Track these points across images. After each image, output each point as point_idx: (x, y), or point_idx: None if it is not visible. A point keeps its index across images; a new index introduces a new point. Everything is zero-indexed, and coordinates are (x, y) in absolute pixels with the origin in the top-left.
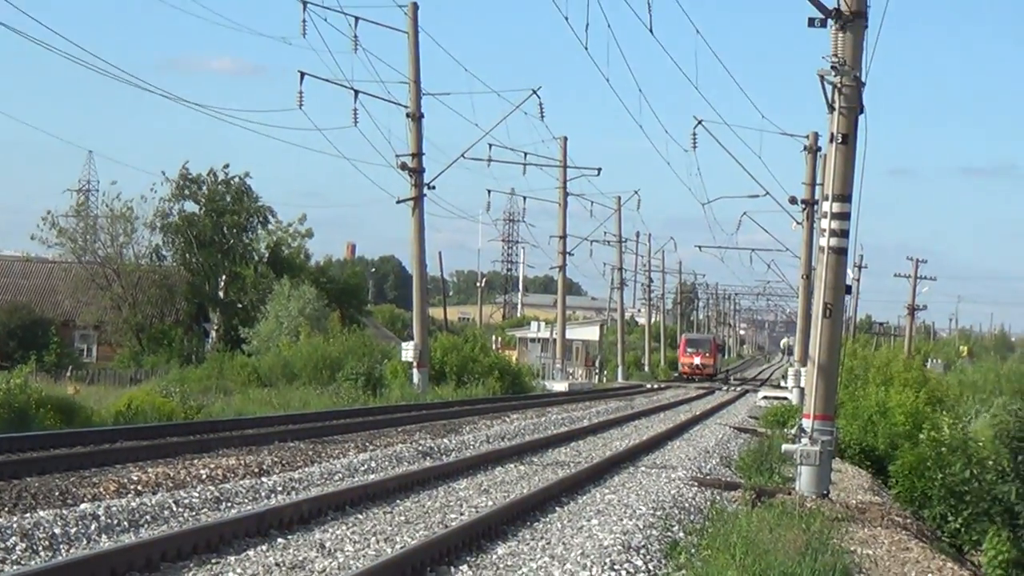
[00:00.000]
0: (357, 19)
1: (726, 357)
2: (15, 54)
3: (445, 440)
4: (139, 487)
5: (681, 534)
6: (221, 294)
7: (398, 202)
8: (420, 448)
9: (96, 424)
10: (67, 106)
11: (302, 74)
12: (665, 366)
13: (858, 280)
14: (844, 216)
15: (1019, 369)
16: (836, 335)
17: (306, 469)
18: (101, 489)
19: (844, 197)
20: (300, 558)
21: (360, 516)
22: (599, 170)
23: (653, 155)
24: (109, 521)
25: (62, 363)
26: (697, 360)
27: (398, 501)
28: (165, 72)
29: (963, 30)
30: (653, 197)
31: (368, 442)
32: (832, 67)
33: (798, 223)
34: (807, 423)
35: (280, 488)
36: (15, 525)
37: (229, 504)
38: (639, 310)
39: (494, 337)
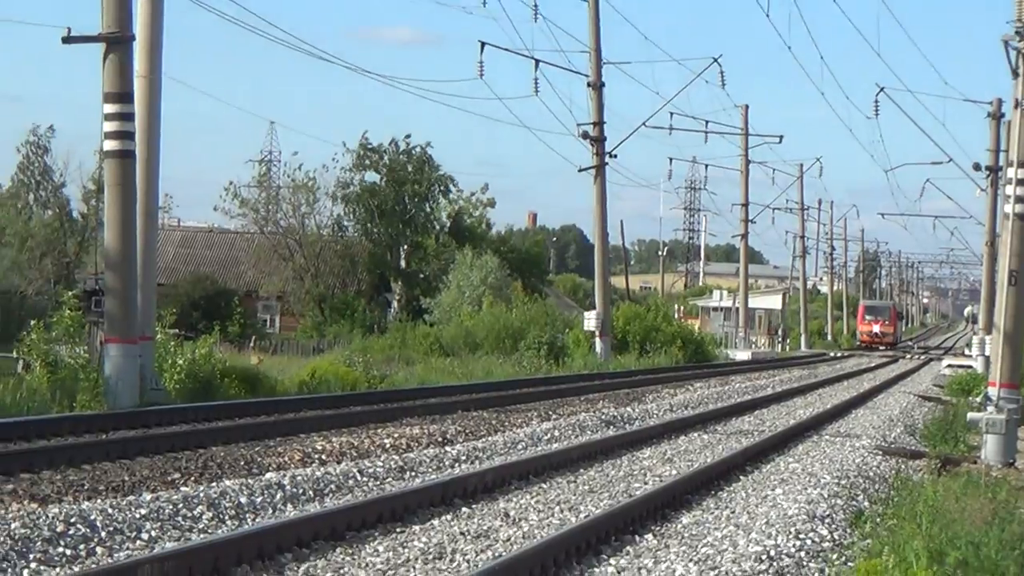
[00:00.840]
0: None
1: (909, 325)
2: (196, 26)
3: (628, 409)
4: (323, 456)
5: (866, 503)
6: (403, 264)
7: (580, 171)
8: (603, 417)
9: (280, 394)
10: (248, 77)
11: (483, 44)
12: (848, 335)
13: None
14: None
15: None
16: (1022, 303)
17: (489, 438)
18: (286, 458)
19: None
20: (485, 527)
21: (544, 485)
22: (781, 138)
23: (835, 123)
24: (294, 490)
25: (245, 333)
26: (876, 328)
27: (581, 470)
28: (346, 42)
29: None
30: (835, 165)
31: (551, 411)
32: (1016, 32)
33: (982, 190)
34: (992, 391)
35: (463, 457)
36: (202, 494)
37: (413, 473)
38: (821, 278)
39: (676, 306)
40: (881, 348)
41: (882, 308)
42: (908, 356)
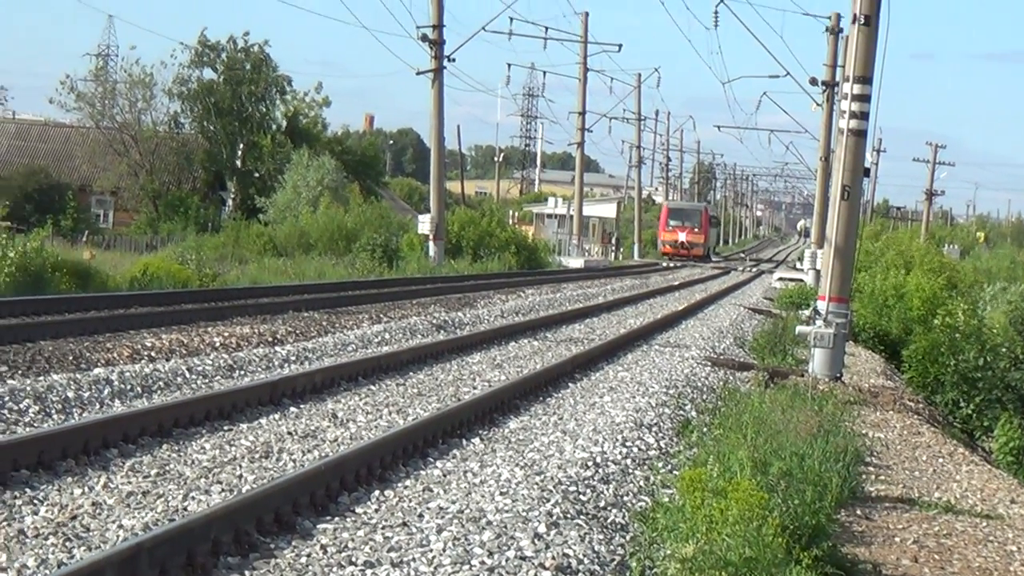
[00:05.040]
0: None
1: (742, 238)
2: None
3: (459, 314)
4: (153, 353)
5: (693, 413)
6: (238, 163)
7: (418, 74)
8: (434, 321)
9: (111, 289)
10: None
11: None
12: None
13: (876, 163)
14: (864, 98)
15: None
16: (853, 217)
17: (320, 339)
18: (115, 354)
19: (865, 79)
20: (312, 427)
21: (373, 387)
22: (620, 46)
23: (675, 33)
24: (122, 386)
25: (78, 228)
26: (682, 236)
27: (411, 373)
28: None
29: None
30: (673, 75)
31: (382, 314)
32: None
33: (818, 104)
34: (822, 305)
35: (293, 358)
36: (29, 388)
37: (242, 372)
38: (656, 188)
39: (511, 212)
40: (685, 261)
41: (691, 212)
42: (740, 268)
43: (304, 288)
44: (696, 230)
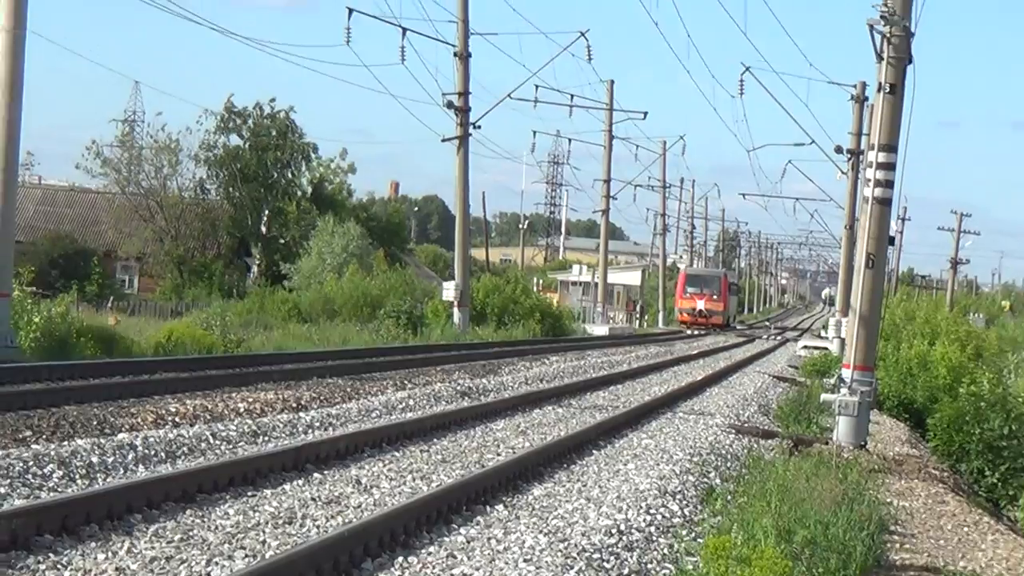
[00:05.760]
0: None
1: (766, 306)
2: None
3: (484, 380)
4: (177, 419)
5: (718, 481)
6: (263, 229)
7: (443, 141)
8: (459, 388)
9: (136, 355)
10: (114, 35)
11: (350, 10)
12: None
13: (901, 232)
14: (890, 167)
15: None
16: (878, 286)
17: (344, 405)
18: (139, 420)
19: (890, 147)
20: (336, 493)
21: (397, 454)
22: (645, 114)
23: (700, 101)
24: (146, 452)
25: (103, 293)
26: (700, 304)
27: (435, 440)
28: (214, 4)
29: None
30: (699, 143)
31: (407, 380)
32: (881, 16)
33: (843, 173)
34: (847, 373)
35: (317, 424)
36: (53, 453)
37: (266, 438)
38: (681, 256)
39: (536, 279)
40: (704, 330)
41: (710, 278)
42: (764, 336)
43: (328, 354)
44: (715, 297)
